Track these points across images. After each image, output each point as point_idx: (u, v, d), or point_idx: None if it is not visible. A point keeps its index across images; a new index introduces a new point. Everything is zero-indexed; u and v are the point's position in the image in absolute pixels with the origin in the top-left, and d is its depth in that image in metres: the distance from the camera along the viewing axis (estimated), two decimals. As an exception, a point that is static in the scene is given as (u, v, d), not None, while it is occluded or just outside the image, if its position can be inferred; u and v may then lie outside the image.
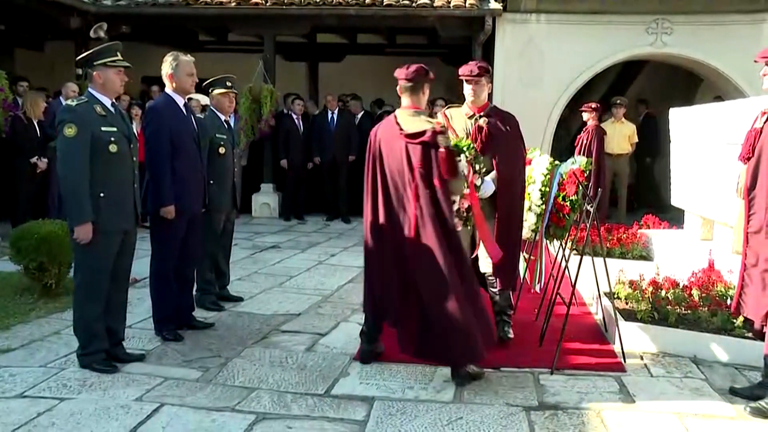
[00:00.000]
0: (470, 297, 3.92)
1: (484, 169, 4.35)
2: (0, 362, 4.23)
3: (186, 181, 4.72)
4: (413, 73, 4.07)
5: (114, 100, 4.22)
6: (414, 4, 10.42)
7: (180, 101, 4.78)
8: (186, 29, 12.61)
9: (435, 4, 10.38)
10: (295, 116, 10.73)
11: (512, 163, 4.54)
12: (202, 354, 4.48)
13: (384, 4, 10.41)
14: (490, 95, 4.84)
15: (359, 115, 11.11)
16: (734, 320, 4.48)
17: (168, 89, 4.79)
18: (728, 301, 4.65)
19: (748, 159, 3.82)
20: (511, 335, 4.73)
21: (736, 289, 3.97)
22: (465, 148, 4.18)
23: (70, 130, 3.91)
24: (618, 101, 10.35)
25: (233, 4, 10.56)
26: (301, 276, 6.90)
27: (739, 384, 4.05)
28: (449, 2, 10.38)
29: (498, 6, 10.26)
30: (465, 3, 10.28)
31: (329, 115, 10.91)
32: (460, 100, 4.88)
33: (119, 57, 4.14)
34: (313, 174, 10.93)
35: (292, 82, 12.57)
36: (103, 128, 4.01)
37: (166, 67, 4.74)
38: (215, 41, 13.64)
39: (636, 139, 10.31)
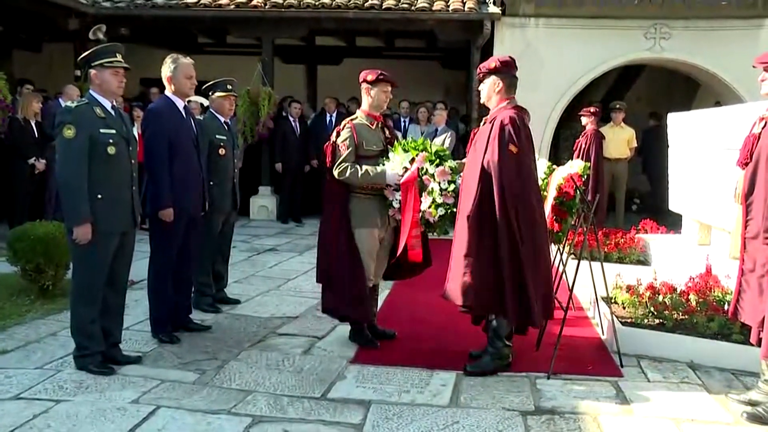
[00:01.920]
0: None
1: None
2: (-4, 364, 4.22)
3: (185, 183, 4.72)
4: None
5: (114, 102, 4.22)
6: (413, 8, 10.43)
7: (179, 104, 4.78)
8: (185, 31, 12.61)
9: (434, 8, 10.39)
10: (291, 119, 10.73)
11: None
12: (198, 356, 4.47)
13: (383, 7, 10.43)
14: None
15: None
16: (731, 325, 4.48)
17: (167, 91, 4.79)
18: (726, 307, 4.65)
19: (746, 164, 3.82)
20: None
21: (734, 294, 3.96)
22: (411, 150, 4.49)
23: (68, 132, 3.91)
24: (617, 106, 10.34)
25: (232, 6, 10.57)
26: (299, 279, 6.89)
27: (736, 389, 4.05)
28: (448, 6, 10.39)
29: (496, 10, 10.29)
30: (464, 7, 10.29)
31: (327, 118, 10.91)
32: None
33: (117, 58, 4.12)
34: (311, 177, 10.93)
35: (290, 85, 12.58)
36: (101, 130, 4.00)
37: (166, 70, 4.74)
38: (214, 43, 13.67)
39: (635, 144, 10.29)
